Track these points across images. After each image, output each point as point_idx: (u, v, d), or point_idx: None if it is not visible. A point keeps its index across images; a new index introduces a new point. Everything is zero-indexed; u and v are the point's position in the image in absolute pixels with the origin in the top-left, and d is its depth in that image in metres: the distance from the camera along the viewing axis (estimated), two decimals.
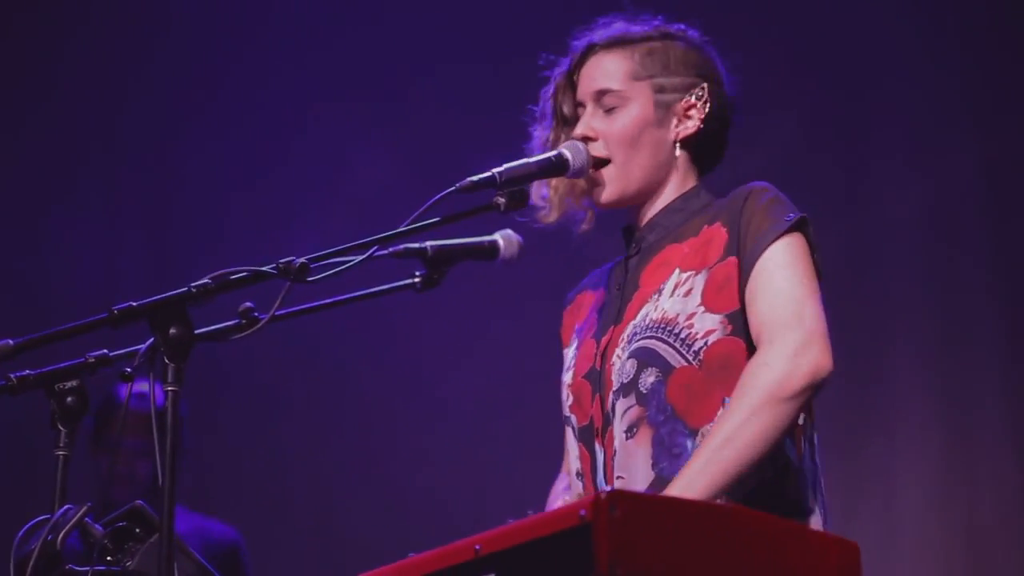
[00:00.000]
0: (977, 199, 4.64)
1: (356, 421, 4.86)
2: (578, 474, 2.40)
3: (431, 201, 2.18)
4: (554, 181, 2.42)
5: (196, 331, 1.96)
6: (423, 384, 4.85)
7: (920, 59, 4.71)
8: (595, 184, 2.41)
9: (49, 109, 5.02)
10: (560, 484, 2.52)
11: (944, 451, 4.49)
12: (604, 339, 2.39)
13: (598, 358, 2.38)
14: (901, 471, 4.47)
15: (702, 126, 2.41)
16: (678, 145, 2.41)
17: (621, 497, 1.63)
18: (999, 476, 4.43)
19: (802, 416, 2.27)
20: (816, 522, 2.25)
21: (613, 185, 2.40)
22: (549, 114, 2.47)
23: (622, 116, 2.40)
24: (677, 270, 2.34)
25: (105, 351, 2.07)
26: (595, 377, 2.37)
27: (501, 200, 2.25)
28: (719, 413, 2.23)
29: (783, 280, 2.25)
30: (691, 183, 2.43)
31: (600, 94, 2.41)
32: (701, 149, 2.44)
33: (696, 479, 2.12)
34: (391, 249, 2.24)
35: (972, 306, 4.57)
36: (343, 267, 2.12)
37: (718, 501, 2.09)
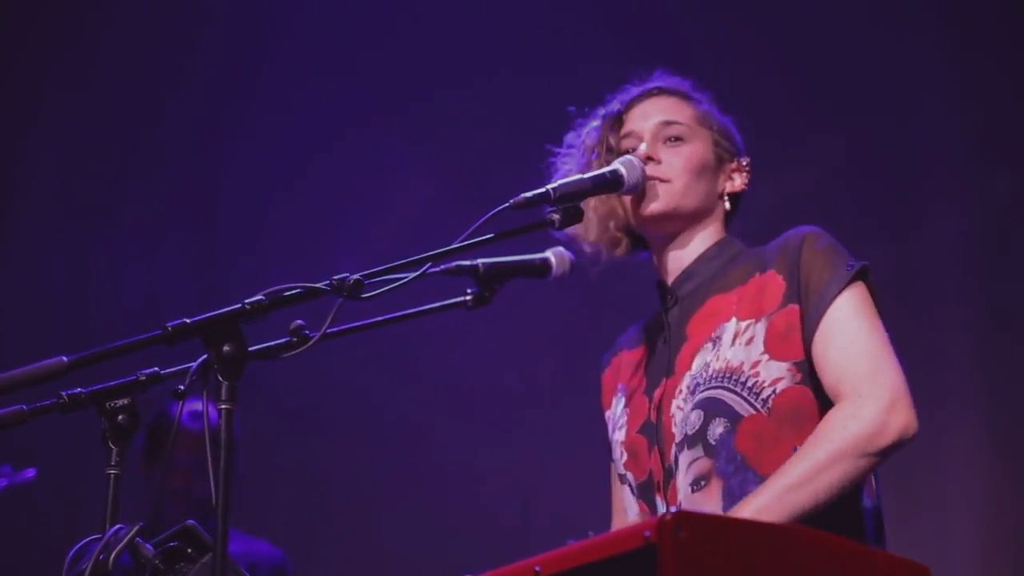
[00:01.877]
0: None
1: (399, 439, 4.84)
2: None
3: (485, 217, 2.15)
4: (593, 202, 2.41)
5: (248, 349, 1.93)
6: (466, 400, 4.83)
7: (966, 84, 4.67)
8: (647, 197, 2.40)
9: (90, 126, 5.04)
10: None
11: (995, 473, 4.43)
12: (658, 392, 2.38)
13: (653, 411, 2.36)
14: (951, 494, 4.42)
15: (746, 188, 2.48)
16: (725, 198, 2.47)
17: (687, 518, 1.60)
18: None
19: None
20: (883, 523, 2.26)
21: (669, 199, 2.41)
22: (592, 145, 2.48)
23: (688, 148, 2.44)
24: (735, 319, 2.33)
25: (156, 369, 2.05)
26: (651, 430, 2.35)
27: (556, 216, 2.22)
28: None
29: (857, 331, 2.24)
30: (721, 235, 2.47)
31: (666, 124, 2.45)
32: (734, 212, 2.50)
33: (763, 513, 2.10)
34: (443, 266, 2.21)
35: (1021, 327, 4.52)
36: (397, 284, 2.09)
37: None
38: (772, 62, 4.65)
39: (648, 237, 2.47)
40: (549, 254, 2.34)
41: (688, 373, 2.33)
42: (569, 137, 2.53)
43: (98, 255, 4.98)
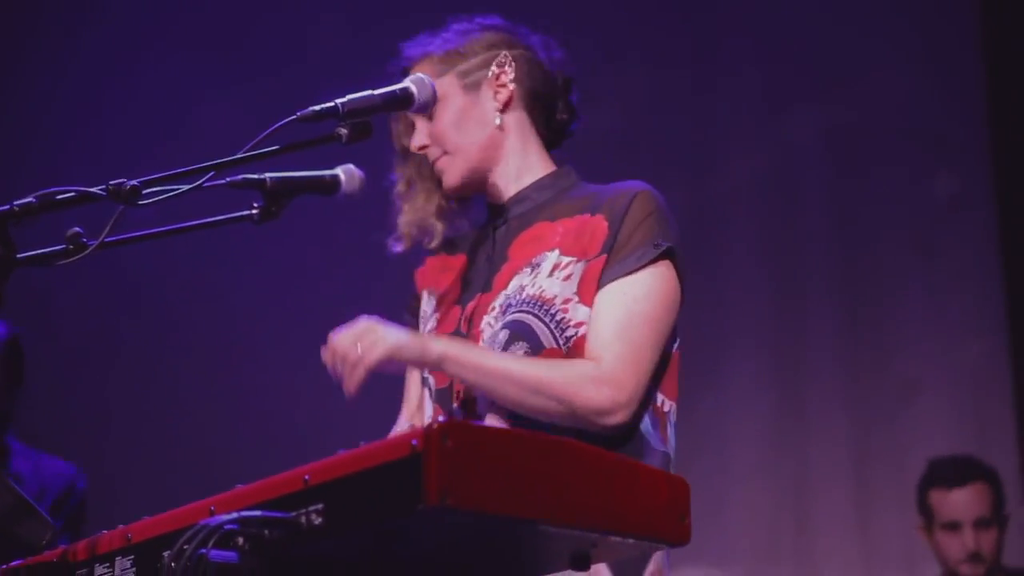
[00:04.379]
0: (816, 163, 4.75)
1: (189, 351, 4.79)
2: None
3: (270, 129, 2.13)
4: (408, 172, 2.46)
5: (19, 255, 1.88)
6: (272, 311, 4.79)
7: (768, 26, 4.79)
8: (440, 176, 2.45)
9: None
10: (398, 428, 2.51)
11: (776, 408, 4.59)
12: (471, 305, 2.41)
13: (463, 323, 2.39)
14: (734, 428, 4.57)
15: (515, 86, 2.46)
16: (499, 114, 2.45)
17: (454, 427, 1.61)
18: (828, 428, 4.55)
19: (669, 403, 2.33)
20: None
21: (452, 171, 2.44)
22: (399, 157, 2.52)
23: (439, 113, 2.44)
24: (557, 251, 2.36)
25: None
26: None
27: (344, 131, 2.21)
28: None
29: (636, 314, 2.26)
30: (545, 153, 2.48)
31: (422, 107, 2.42)
32: (530, 112, 2.48)
33: (465, 369, 2.23)
34: (228, 179, 2.17)
35: (805, 265, 4.68)
36: (176, 192, 2.05)
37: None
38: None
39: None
40: (339, 171, 2.32)
41: (503, 292, 2.36)
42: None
43: None
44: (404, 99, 2.34)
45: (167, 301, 4.85)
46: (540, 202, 2.44)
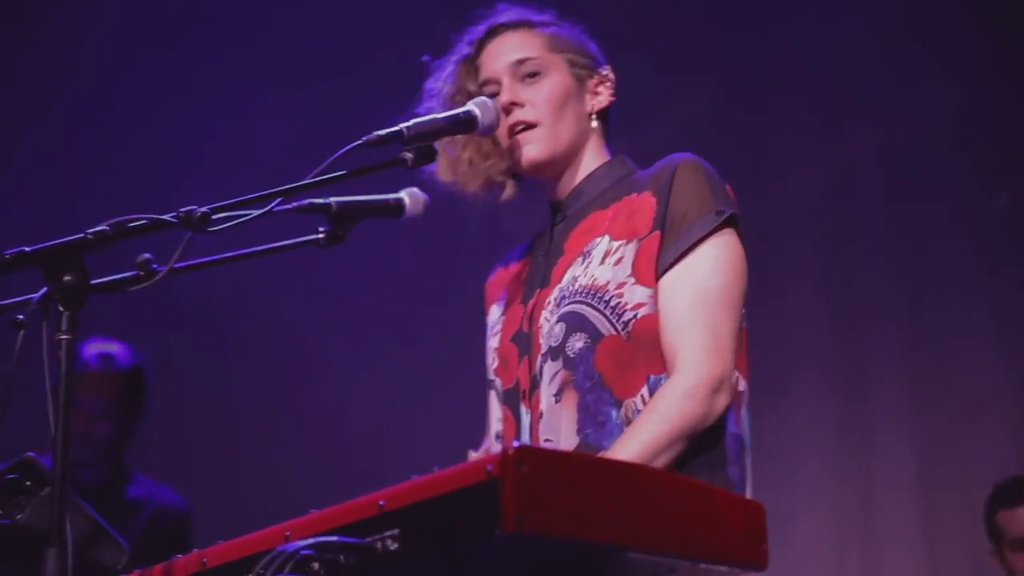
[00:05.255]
0: (876, 178, 4.72)
1: (257, 376, 4.81)
2: (498, 436, 2.40)
3: (337, 154, 2.14)
4: (467, 153, 2.41)
5: (92, 282, 1.90)
6: (321, 338, 4.81)
7: (826, 39, 4.77)
8: (520, 147, 2.42)
9: None
10: (481, 450, 2.51)
11: (839, 424, 4.56)
12: (531, 302, 2.40)
13: (525, 321, 2.39)
14: (797, 448, 4.53)
15: (613, 99, 2.48)
16: (593, 117, 2.46)
17: (529, 453, 1.61)
18: (893, 447, 4.51)
19: (743, 383, 2.31)
20: (741, 486, 2.28)
21: (542, 144, 2.42)
22: (453, 93, 2.48)
23: (547, 83, 2.43)
24: (607, 237, 2.35)
25: None
26: (522, 340, 2.37)
27: (409, 155, 2.22)
28: (642, 389, 2.25)
29: (708, 293, 2.24)
30: (608, 155, 2.48)
31: (520, 63, 2.43)
32: (607, 125, 2.49)
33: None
34: (295, 204, 2.19)
35: (868, 278, 4.64)
36: (244, 218, 2.06)
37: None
38: (646, 10, 4.69)
39: (535, 177, 2.49)
40: (403, 194, 2.33)
41: (558, 285, 2.35)
42: (428, 84, 2.51)
43: None
44: (468, 122, 2.34)
45: (231, 327, 4.88)
46: (595, 194, 2.43)
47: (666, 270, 2.27)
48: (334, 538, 1.66)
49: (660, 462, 2.16)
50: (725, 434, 2.27)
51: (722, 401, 2.21)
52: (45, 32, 4.96)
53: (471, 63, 2.49)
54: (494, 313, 2.52)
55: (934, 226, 4.68)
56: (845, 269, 4.68)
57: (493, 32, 2.48)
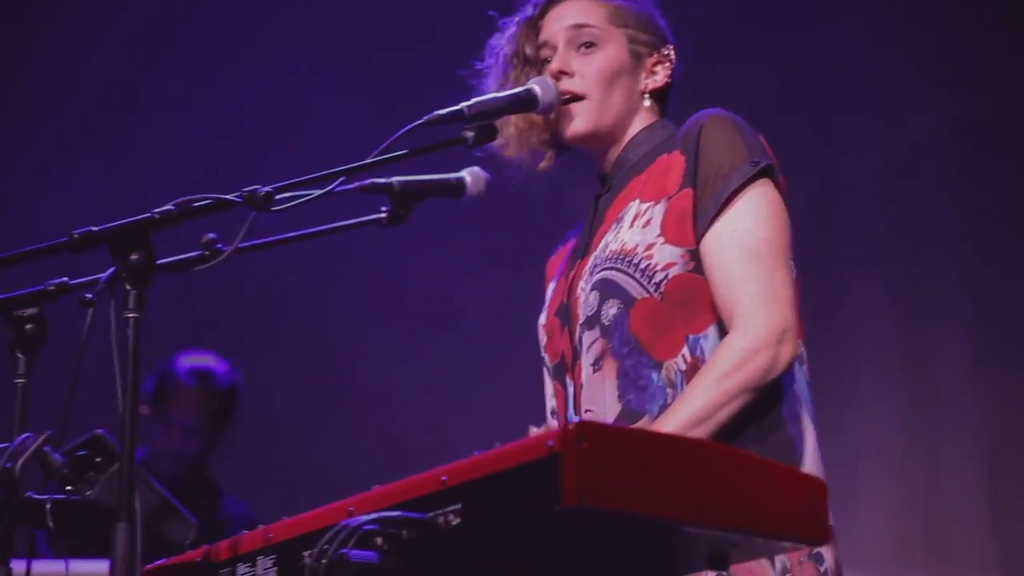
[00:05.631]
0: (942, 154, 4.66)
1: (318, 356, 4.84)
2: (552, 412, 2.41)
3: (398, 133, 2.15)
4: (513, 118, 2.41)
5: (158, 261, 1.93)
6: (383, 318, 4.84)
7: (889, 15, 4.71)
8: (565, 118, 2.40)
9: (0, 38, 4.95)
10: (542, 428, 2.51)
11: (906, 403, 4.51)
12: (572, 274, 2.40)
13: (565, 293, 2.38)
14: (861, 420, 4.50)
15: (670, 81, 2.45)
16: (646, 96, 2.44)
17: (589, 428, 1.61)
18: (961, 427, 4.46)
19: (801, 345, 2.28)
20: (800, 445, 2.25)
21: (587, 117, 2.40)
22: (510, 55, 2.47)
23: (600, 56, 2.42)
24: (638, 200, 2.34)
25: (65, 279, 2.03)
26: (564, 312, 2.38)
27: (469, 134, 2.23)
28: (682, 349, 2.23)
29: (756, 245, 2.22)
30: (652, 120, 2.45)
31: (578, 28, 2.42)
32: (662, 106, 2.48)
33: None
34: (357, 184, 2.20)
35: (934, 259, 4.59)
36: (307, 198, 2.08)
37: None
38: None
39: (581, 149, 2.49)
40: (465, 173, 2.34)
41: (593, 254, 2.35)
42: (491, 41, 2.51)
43: (12, 168, 4.92)
44: (528, 100, 2.35)
45: (292, 301, 4.91)
46: (634, 160, 2.42)
47: (707, 227, 2.25)
48: (397, 513, 1.68)
49: (722, 416, 2.16)
50: (780, 391, 2.25)
51: (787, 351, 2.19)
52: (111, 13, 5.01)
53: (533, 24, 2.48)
54: (548, 292, 2.53)
55: (1004, 205, 4.61)
56: (911, 245, 4.63)
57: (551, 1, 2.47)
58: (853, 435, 4.47)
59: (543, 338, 2.44)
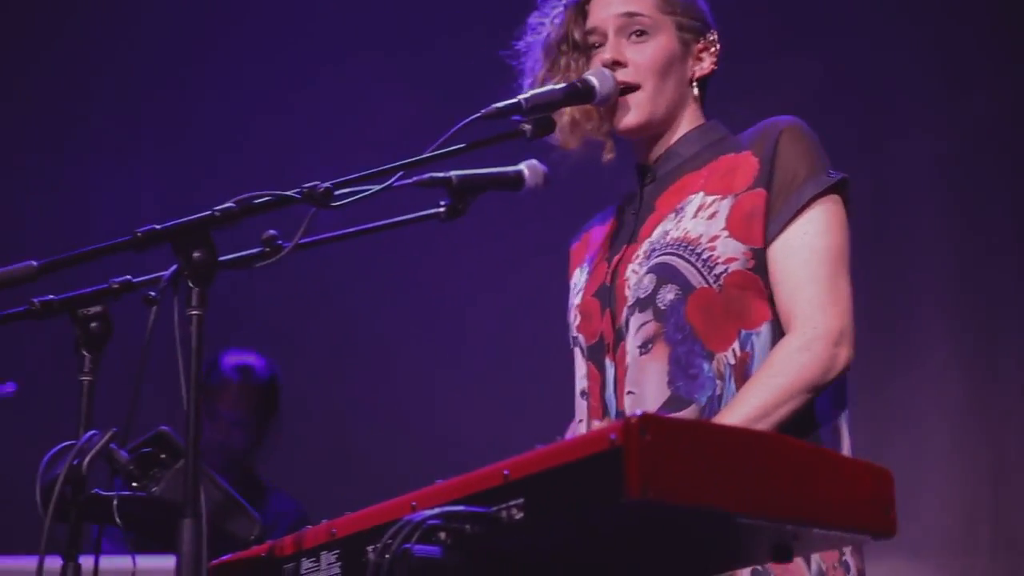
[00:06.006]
0: (1000, 141, 4.61)
1: (375, 352, 4.86)
2: (583, 394, 2.40)
3: (455, 127, 2.16)
4: (569, 109, 2.41)
5: (220, 258, 1.94)
6: (441, 313, 4.85)
7: (940, 11, 4.66)
8: (620, 109, 2.40)
9: (62, 40, 5.00)
10: (575, 421, 2.51)
11: (967, 389, 4.47)
12: (616, 257, 2.40)
13: (608, 275, 2.38)
14: (925, 408, 4.46)
15: (715, 67, 2.46)
16: (694, 84, 2.46)
17: (652, 421, 1.61)
18: (1022, 412, 4.41)
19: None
20: (833, 448, 2.26)
21: (641, 109, 2.40)
22: (557, 40, 2.46)
23: (652, 45, 2.42)
24: (702, 193, 2.35)
25: (128, 277, 2.05)
26: (605, 293, 2.38)
27: (527, 127, 2.24)
28: (733, 344, 2.25)
29: (823, 252, 2.26)
30: (702, 119, 2.47)
31: (628, 16, 2.42)
32: (704, 92, 2.49)
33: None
34: (415, 178, 2.21)
35: (994, 246, 4.54)
36: (367, 193, 2.09)
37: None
38: None
39: (628, 139, 2.49)
40: (523, 166, 2.34)
41: (648, 240, 2.36)
42: (532, 19, 2.51)
43: (73, 169, 4.96)
44: (586, 92, 2.35)
45: (339, 298, 4.93)
46: (687, 156, 2.43)
47: (780, 231, 2.28)
48: (460, 507, 1.68)
49: (780, 414, 2.17)
50: (823, 395, 2.27)
51: (844, 354, 2.22)
52: (169, 15, 5.05)
53: (580, 9, 2.48)
54: (578, 275, 2.52)
55: None
56: (971, 231, 4.58)
57: None
58: (918, 422, 4.43)
59: (576, 318, 2.44)
